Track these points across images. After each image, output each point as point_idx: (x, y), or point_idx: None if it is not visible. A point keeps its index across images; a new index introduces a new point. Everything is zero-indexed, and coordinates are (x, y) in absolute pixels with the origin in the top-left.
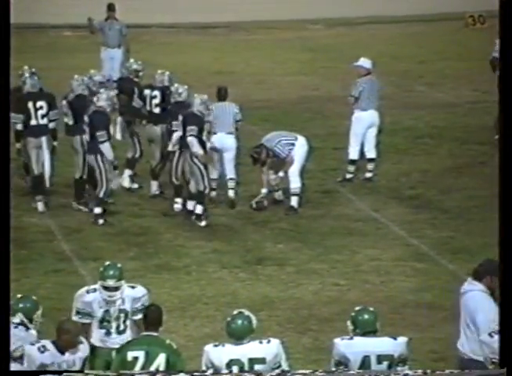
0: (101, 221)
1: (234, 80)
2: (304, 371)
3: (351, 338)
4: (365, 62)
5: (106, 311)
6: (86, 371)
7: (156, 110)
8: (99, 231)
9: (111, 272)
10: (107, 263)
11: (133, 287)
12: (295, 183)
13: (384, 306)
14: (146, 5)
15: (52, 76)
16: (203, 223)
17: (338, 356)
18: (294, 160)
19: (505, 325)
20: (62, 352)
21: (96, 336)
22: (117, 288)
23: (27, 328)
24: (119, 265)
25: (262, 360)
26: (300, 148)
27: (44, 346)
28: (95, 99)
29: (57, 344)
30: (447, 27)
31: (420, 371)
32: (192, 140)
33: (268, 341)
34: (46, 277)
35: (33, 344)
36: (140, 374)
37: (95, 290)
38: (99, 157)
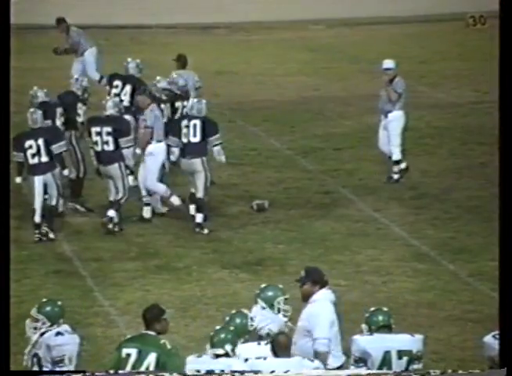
0: (111, 225)
1: (235, 80)
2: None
3: (371, 334)
4: (390, 63)
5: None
6: (86, 372)
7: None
8: (100, 231)
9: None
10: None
11: (58, 333)
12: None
13: (384, 307)
14: (146, 5)
15: (52, 76)
16: (205, 231)
17: (359, 352)
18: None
19: (505, 325)
20: None
21: None
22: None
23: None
24: (59, 303)
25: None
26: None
27: None
28: (108, 104)
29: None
30: (448, 28)
31: (438, 371)
32: (219, 150)
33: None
34: (47, 278)
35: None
36: (138, 373)
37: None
38: (122, 164)
